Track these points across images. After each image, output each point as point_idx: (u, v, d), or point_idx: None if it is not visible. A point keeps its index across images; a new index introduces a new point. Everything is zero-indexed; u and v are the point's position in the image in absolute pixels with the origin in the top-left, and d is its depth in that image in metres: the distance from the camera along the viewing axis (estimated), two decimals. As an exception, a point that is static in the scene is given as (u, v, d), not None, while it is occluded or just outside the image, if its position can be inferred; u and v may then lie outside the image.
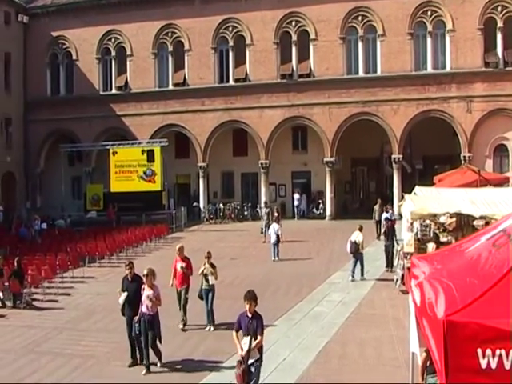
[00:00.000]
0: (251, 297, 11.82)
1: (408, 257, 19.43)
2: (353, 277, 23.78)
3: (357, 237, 23.96)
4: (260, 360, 11.46)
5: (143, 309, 14.29)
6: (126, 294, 14.95)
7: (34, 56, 51.39)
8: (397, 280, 21.13)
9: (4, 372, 14.66)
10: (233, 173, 50.20)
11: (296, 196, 47.31)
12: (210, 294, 17.71)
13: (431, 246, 18.70)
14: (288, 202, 48.93)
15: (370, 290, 21.73)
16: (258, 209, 46.51)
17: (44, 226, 42.00)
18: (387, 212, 30.86)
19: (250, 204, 47.35)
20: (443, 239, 20.29)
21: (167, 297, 16.76)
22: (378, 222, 33.39)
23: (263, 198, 46.41)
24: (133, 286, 15.01)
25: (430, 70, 43.58)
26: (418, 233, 20.95)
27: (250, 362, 11.21)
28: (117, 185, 46.35)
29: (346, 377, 13.15)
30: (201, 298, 17.95)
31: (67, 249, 29.95)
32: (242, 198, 49.31)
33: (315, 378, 13.16)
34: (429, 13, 42.99)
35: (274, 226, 30.35)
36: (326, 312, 18.83)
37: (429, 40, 43.41)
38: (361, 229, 24.34)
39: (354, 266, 23.86)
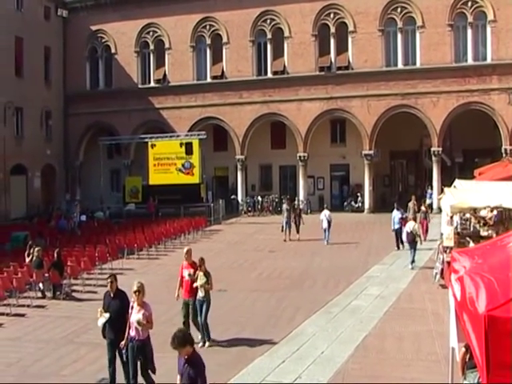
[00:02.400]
0: (178, 343, 8.39)
1: (448, 251, 19.25)
2: (411, 264, 24.54)
3: (412, 227, 24.98)
4: None
5: (132, 332, 12.04)
6: (107, 315, 12.66)
7: (73, 50, 51.85)
8: (436, 274, 20.93)
9: (45, 361, 14.84)
10: (271, 165, 50.15)
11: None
12: (204, 306, 15.58)
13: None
14: (326, 194, 48.76)
15: (408, 284, 21.53)
16: (296, 201, 46.42)
17: (83, 218, 42.47)
18: (398, 209, 29.09)
19: (288, 197, 47.18)
20: (483, 233, 20.09)
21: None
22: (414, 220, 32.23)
23: (301, 191, 46.42)
24: (115, 303, 12.79)
25: (470, 61, 42.98)
26: (458, 227, 20.74)
27: None
28: (155, 177, 46.63)
29: (384, 371, 13.05)
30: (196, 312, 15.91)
31: (106, 241, 30.18)
32: (279, 190, 49.22)
33: (353, 372, 13.09)
34: (469, 3, 42.37)
35: (326, 213, 32.47)
36: (364, 306, 18.71)
37: (469, 31, 42.81)
38: (414, 219, 27.03)
39: (414, 255, 24.71)
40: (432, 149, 43.68)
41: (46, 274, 22.41)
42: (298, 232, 33.82)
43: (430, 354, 13.90)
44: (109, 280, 13.06)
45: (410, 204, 32.90)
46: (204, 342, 15.40)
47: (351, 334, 15.87)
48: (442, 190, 28.77)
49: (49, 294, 22.09)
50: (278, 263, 26.96)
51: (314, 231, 36.14)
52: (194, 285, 15.56)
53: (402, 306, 18.57)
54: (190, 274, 15.82)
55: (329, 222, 32.11)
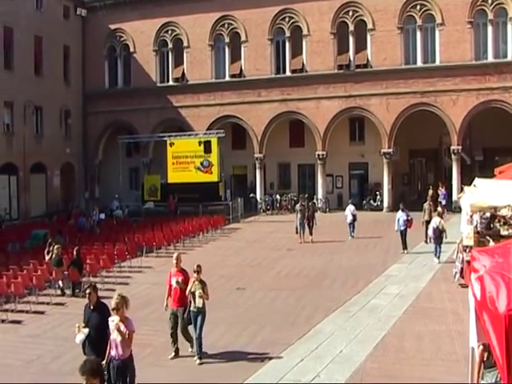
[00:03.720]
0: (87, 371, 6.87)
1: (467, 250, 19.14)
2: (438, 258, 25.07)
3: (439, 223, 25.16)
4: None
5: (112, 352, 10.69)
6: (87, 331, 11.47)
7: (92, 49, 52.10)
8: (456, 273, 20.80)
9: (64, 358, 14.91)
10: (289, 164, 50.09)
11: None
12: (199, 318, 14.37)
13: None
14: (345, 193, 48.66)
15: (428, 283, 21.41)
16: (314, 200, 46.40)
17: (102, 216, 42.65)
18: (403, 211, 28.52)
19: (306, 195, 47.13)
20: (504, 232, 19.93)
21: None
22: (428, 223, 29.22)
23: (320, 190, 46.40)
24: (95, 317, 11.60)
25: (490, 59, 42.64)
26: (478, 226, 20.59)
27: None
28: (174, 176, 46.72)
29: (403, 370, 13.00)
30: (189, 322, 14.71)
31: (125, 239, 30.32)
32: (298, 189, 49.15)
33: (371, 372, 13.04)
34: (489, 0, 42.03)
35: (350, 208, 33.28)
36: (383, 305, 18.64)
37: (489, 28, 42.45)
38: (439, 214, 26.36)
39: (440, 251, 25.15)
40: (451, 147, 43.42)
41: (66, 272, 22.54)
42: (310, 234, 32.61)
43: (450, 354, 13.82)
44: (87, 291, 11.99)
45: (426, 205, 31.29)
46: (200, 358, 14.25)
47: (370, 333, 15.82)
48: (461, 189, 28.60)
49: (68, 292, 22.22)
50: (297, 262, 26.93)
51: (332, 231, 36.15)
52: (188, 292, 14.45)
53: (421, 305, 18.46)
54: (178, 282, 14.73)
55: (354, 216, 33.12)
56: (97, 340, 11.18)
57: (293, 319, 17.52)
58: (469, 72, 42.37)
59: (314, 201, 45.75)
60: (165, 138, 47.40)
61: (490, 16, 42.15)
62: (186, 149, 46.44)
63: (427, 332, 15.67)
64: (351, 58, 45.56)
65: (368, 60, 45.07)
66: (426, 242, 28.90)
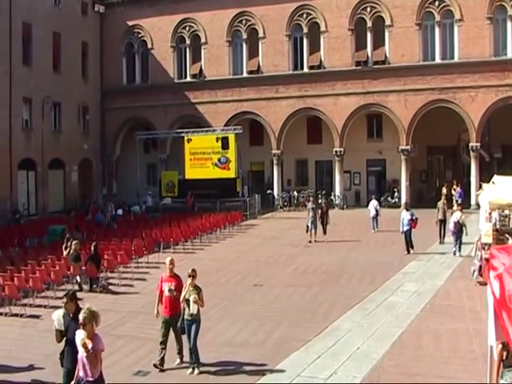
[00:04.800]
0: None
1: (486, 247, 19.04)
2: (459, 251, 25.55)
3: (459, 217, 25.57)
4: None
5: (80, 372, 9.57)
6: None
7: (110, 45, 52.32)
8: (474, 271, 20.68)
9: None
10: (307, 160, 50.05)
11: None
12: (194, 327, 13.34)
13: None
14: (363, 190, 48.56)
15: (446, 281, 21.29)
16: (332, 197, 46.40)
17: (120, 212, 42.81)
18: (407, 210, 27.70)
19: (324, 192, 47.11)
20: (523, 230, 19.80)
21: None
22: (442, 222, 29.28)
23: (337, 186, 46.33)
24: (74, 326, 10.37)
25: (510, 55, 42.26)
26: (497, 223, 20.47)
27: None
28: (191, 172, 46.83)
29: (420, 368, 12.93)
30: (182, 331, 13.64)
31: (142, 235, 30.37)
32: (315, 185, 49.12)
33: (389, 369, 12.98)
34: (509, -4, 41.81)
35: (374, 203, 34.32)
36: (401, 302, 18.56)
37: (509, 24, 42.11)
38: (461, 209, 26.68)
39: (460, 243, 25.59)
40: (470, 144, 43.18)
41: (83, 267, 22.61)
42: (324, 233, 31.77)
43: (468, 352, 13.73)
44: (63, 300, 11.03)
45: (440, 204, 30.10)
46: (193, 369, 13.34)
47: (387, 330, 15.76)
48: (480, 186, 28.44)
49: (86, 287, 22.30)
50: (314, 258, 26.89)
51: (349, 228, 36.10)
52: (182, 299, 13.46)
53: (439, 303, 18.37)
54: (170, 290, 13.73)
55: (376, 211, 33.93)
56: (76, 351, 9.82)
57: (310, 316, 17.49)
58: (488, 68, 42.09)
59: (327, 198, 45.77)
60: (182, 135, 47.49)
61: (510, 12, 41.86)
62: (204, 145, 46.52)
63: (445, 330, 15.59)
64: (369, 55, 45.41)
65: (386, 56, 44.89)
66: (441, 242, 28.66)
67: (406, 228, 27.19)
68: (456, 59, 43.26)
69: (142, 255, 27.00)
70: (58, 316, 11.02)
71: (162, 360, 13.60)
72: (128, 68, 52.76)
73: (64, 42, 47.44)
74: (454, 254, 25.73)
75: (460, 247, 25.70)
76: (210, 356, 14.28)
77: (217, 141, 45.85)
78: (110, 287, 22.37)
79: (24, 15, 42.98)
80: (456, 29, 43.16)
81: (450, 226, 26.30)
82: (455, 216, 25.87)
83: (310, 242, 31.19)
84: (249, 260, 27.39)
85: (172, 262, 14.26)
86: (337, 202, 46.29)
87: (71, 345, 10.38)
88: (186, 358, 13.71)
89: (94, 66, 51.91)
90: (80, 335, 9.48)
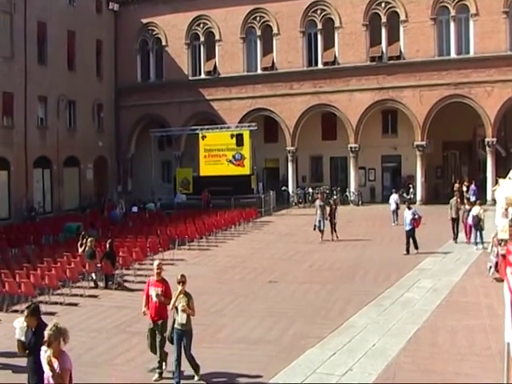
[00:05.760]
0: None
1: (503, 243, 18.91)
2: (478, 245, 26.04)
3: (478, 211, 26.20)
4: None
5: None
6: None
7: (124, 43, 52.37)
8: (490, 267, 20.56)
9: (98, 350, 15.01)
10: (321, 157, 49.92)
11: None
12: (185, 339, 12.59)
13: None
14: (378, 186, 48.43)
15: (462, 278, 21.17)
16: (347, 193, 46.31)
17: (135, 209, 42.92)
18: (409, 209, 26.92)
19: (339, 188, 47.02)
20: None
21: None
22: (455, 220, 28.72)
23: (352, 183, 46.20)
24: (36, 341, 9.65)
25: (526, 49, 42.06)
26: (514, 219, 20.29)
27: None
28: (206, 169, 46.89)
29: (436, 365, 12.86)
30: (170, 341, 12.87)
31: (157, 232, 30.43)
32: (330, 182, 49.03)
33: (404, 366, 12.93)
34: (526, -10, 41.48)
35: (394, 196, 35.32)
36: (417, 299, 18.47)
37: (525, 18, 41.89)
38: (480, 204, 27.47)
39: (480, 237, 26.13)
40: (486, 139, 42.94)
41: (99, 265, 22.68)
42: (334, 231, 30.86)
43: (484, 349, 13.66)
44: (26, 312, 10.14)
45: (452, 201, 29.33)
46: (196, 376, 12.79)
47: (403, 326, 15.69)
48: (496, 182, 28.25)
49: (101, 284, 22.36)
50: (329, 255, 26.84)
51: (363, 226, 36.00)
52: (171, 306, 12.76)
53: (454, 300, 18.27)
54: (158, 295, 13.12)
55: (397, 205, 34.55)
56: (38, 367, 9.11)
57: (325, 312, 17.45)
58: (504, 63, 41.75)
59: (342, 194, 45.73)
60: (197, 131, 47.53)
61: (526, 6, 41.55)
62: (218, 142, 46.57)
63: (461, 326, 15.50)
64: (384, 50, 45.22)
65: (401, 52, 44.69)
66: (455, 240, 28.27)
67: (408, 227, 26.45)
68: (471, 54, 42.98)
69: (157, 252, 27.01)
70: (20, 324, 10.35)
71: (160, 373, 13.02)
72: (142, 65, 52.81)
73: (78, 41, 47.57)
74: (476, 246, 26.20)
75: (482, 240, 26.01)
76: (225, 353, 14.30)
77: (231, 137, 45.91)
78: (126, 284, 22.42)
79: (39, 14, 43.14)
80: (471, 23, 42.86)
81: (469, 219, 26.63)
82: (474, 210, 26.36)
83: (320, 242, 30.28)
84: (264, 257, 27.37)
85: (160, 267, 13.58)
86: (352, 198, 46.19)
87: (34, 360, 9.64)
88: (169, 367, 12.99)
89: (109, 63, 52.01)
90: (45, 353, 8.60)
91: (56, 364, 8.50)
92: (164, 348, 13.14)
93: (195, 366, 12.73)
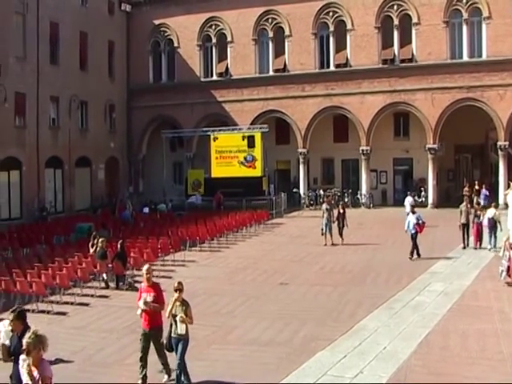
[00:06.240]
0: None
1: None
2: (493, 246, 26.21)
3: (494, 213, 26.54)
4: None
5: None
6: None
7: (136, 44, 52.48)
8: (502, 271, 20.45)
9: (108, 350, 15.05)
10: (333, 159, 49.86)
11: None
12: (181, 346, 12.18)
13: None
14: (389, 189, 48.33)
15: (473, 281, 21.07)
16: (358, 195, 46.24)
17: (146, 210, 43.00)
18: (413, 213, 26.58)
19: (350, 190, 46.96)
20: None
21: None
22: (465, 226, 27.94)
23: (364, 185, 46.13)
24: (20, 347, 8.96)
25: (539, 53, 41.86)
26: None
27: None
28: (217, 170, 46.92)
29: (447, 369, 12.81)
30: (169, 349, 12.58)
31: (169, 233, 30.47)
32: (342, 184, 48.97)
33: (415, 369, 12.88)
34: (539, -8, 41.30)
35: (409, 199, 35.87)
36: (428, 302, 18.40)
37: (539, 22, 41.69)
38: (496, 206, 27.50)
39: (495, 238, 26.34)
40: (498, 143, 42.77)
41: (110, 265, 22.73)
42: (341, 235, 30.20)
43: (496, 353, 13.58)
44: (9, 317, 9.96)
45: (462, 206, 28.56)
46: None
47: (414, 330, 15.64)
48: (508, 185, 28.18)
49: (112, 285, 22.41)
50: (340, 257, 26.80)
51: (375, 229, 35.91)
52: (168, 314, 12.34)
53: (466, 304, 18.20)
54: (146, 303, 12.65)
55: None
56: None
57: (336, 315, 17.43)
58: (517, 66, 41.63)
59: (353, 197, 45.66)
60: (208, 133, 47.58)
61: (540, 9, 41.37)
62: (230, 143, 46.61)
63: (472, 330, 15.43)
64: (396, 53, 45.12)
65: (413, 54, 44.59)
66: (464, 247, 27.63)
67: (412, 232, 25.91)
68: (484, 57, 42.82)
69: (168, 253, 27.07)
70: (4, 328, 10.10)
71: (144, 379, 12.61)
72: (154, 67, 52.90)
73: (91, 41, 47.69)
74: (490, 249, 26.30)
75: (495, 242, 26.09)
76: (236, 354, 14.30)
77: (243, 139, 45.95)
78: (136, 285, 22.38)
79: (51, 15, 43.28)
80: (484, 26, 42.70)
81: (485, 221, 26.76)
82: (489, 213, 26.67)
83: (325, 245, 29.93)
84: (275, 258, 27.36)
85: (149, 271, 13.10)
86: (363, 200, 46.12)
87: (18, 368, 9.18)
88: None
89: (121, 64, 52.14)
90: (24, 362, 8.39)
91: (36, 373, 8.24)
92: (165, 352, 12.73)
93: (186, 376, 12.19)
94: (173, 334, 12.23)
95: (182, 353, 12.13)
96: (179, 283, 12.37)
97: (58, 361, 13.86)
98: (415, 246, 25.81)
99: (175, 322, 12.14)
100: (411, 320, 16.51)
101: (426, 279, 21.65)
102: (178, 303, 12.18)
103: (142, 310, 12.77)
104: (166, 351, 12.72)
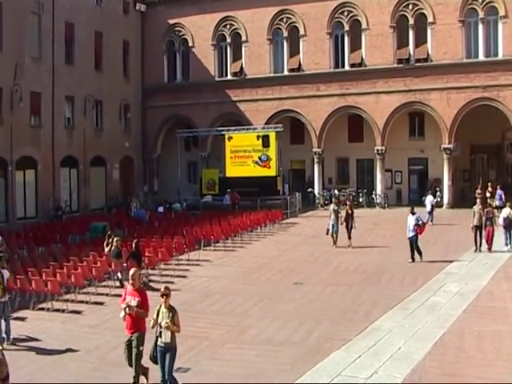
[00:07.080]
0: None
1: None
2: (508, 245, 26.84)
3: (509, 212, 27.02)
4: None
5: None
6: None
7: (151, 43, 52.54)
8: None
9: (122, 349, 15.02)
10: (348, 159, 49.75)
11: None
12: (168, 356, 11.62)
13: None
14: (404, 189, 48.18)
15: (489, 282, 20.96)
16: (373, 195, 46.10)
17: (161, 209, 43.08)
18: (413, 214, 25.54)
19: (365, 190, 46.83)
20: None
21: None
22: (478, 228, 27.10)
23: (379, 185, 45.97)
24: None
25: (555, 52, 41.58)
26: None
27: None
28: (232, 170, 46.91)
29: (462, 370, 12.76)
30: (154, 361, 11.99)
31: (183, 232, 30.50)
32: (356, 184, 48.84)
33: (430, 370, 12.83)
34: (556, -9, 41.01)
35: (429, 198, 37.25)
36: (443, 303, 18.33)
37: (555, 21, 41.41)
38: (510, 206, 27.55)
39: (510, 237, 26.91)
40: (514, 143, 42.58)
41: (125, 264, 22.76)
42: (349, 237, 29.52)
43: (511, 355, 13.51)
44: None
45: (475, 208, 27.80)
46: None
47: (429, 330, 15.59)
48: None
49: (127, 284, 22.43)
50: (355, 257, 26.72)
51: (389, 229, 35.80)
52: (153, 323, 11.89)
53: (481, 304, 18.11)
54: (130, 307, 12.17)
55: (432, 206, 36.48)
56: None
57: (350, 315, 17.40)
58: (533, 66, 41.37)
59: (368, 197, 45.54)
60: (223, 133, 47.61)
61: (556, 8, 41.09)
62: (245, 143, 46.61)
63: (488, 332, 15.35)
64: (411, 52, 44.91)
65: (428, 54, 44.37)
66: (476, 250, 26.93)
67: (411, 234, 25.27)
68: (500, 56, 42.55)
69: (182, 252, 27.14)
70: None
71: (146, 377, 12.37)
72: (169, 66, 52.95)
73: (106, 41, 47.78)
74: (507, 246, 26.86)
75: (511, 239, 26.74)
76: (250, 354, 14.30)
77: (257, 139, 45.92)
78: (151, 284, 22.46)
79: (66, 15, 43.39)
80: (500, 25, 42.44)
81: (500, 220, 27.23)
82: (504, 212, 27.22)
83: (334, 244, 29.72)
84: (289, 258, 27.35)
85: (134, 276, 12.65)
86: (378, 200, 45.96)
87: None
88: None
89: (135, 64, 52.23)
90: None
91: None
92: (140, 362, 12.21)
93: None
94: (158, 343, 11.70)
95: (169, 366, 11.58)
96: (166, 288, 11.88)
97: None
98: (417, 248, 25.27)
99: (161, 331, 11.63)
100: (426, 320, 16.46)
101: (441, 280, 21.57)
102: (164, 310, 11.65)
103: (126, 314, 12.33)
104: (143, 365, 12.27)
